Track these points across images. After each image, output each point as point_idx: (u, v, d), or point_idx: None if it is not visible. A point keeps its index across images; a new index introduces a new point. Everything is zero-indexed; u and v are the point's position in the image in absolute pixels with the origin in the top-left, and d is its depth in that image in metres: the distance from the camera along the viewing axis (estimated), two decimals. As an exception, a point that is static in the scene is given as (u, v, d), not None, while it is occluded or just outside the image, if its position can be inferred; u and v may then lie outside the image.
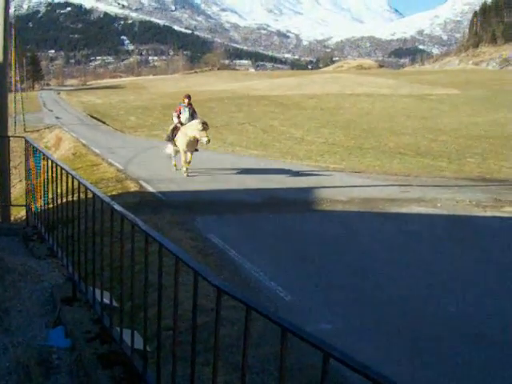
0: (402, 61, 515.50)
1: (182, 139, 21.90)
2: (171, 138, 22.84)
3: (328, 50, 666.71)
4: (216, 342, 3.43)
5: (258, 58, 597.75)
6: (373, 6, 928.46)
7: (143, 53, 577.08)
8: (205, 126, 21.36)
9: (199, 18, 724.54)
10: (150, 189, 19.21)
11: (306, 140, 38.77)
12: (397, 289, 9.40)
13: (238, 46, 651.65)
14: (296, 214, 15.69)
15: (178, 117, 22.75)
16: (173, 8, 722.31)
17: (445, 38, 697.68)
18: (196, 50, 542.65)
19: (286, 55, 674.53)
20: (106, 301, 5.91)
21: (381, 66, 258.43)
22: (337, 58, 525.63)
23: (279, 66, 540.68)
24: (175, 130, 22.64)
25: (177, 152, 23.32)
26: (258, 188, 19.34)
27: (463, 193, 19.44)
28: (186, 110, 22.85)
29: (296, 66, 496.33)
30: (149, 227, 4.59)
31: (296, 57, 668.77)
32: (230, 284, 3.49)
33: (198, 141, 21.97)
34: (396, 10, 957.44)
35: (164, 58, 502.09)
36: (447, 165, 27.88)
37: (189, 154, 22.35)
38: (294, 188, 18.66)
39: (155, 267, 4.32)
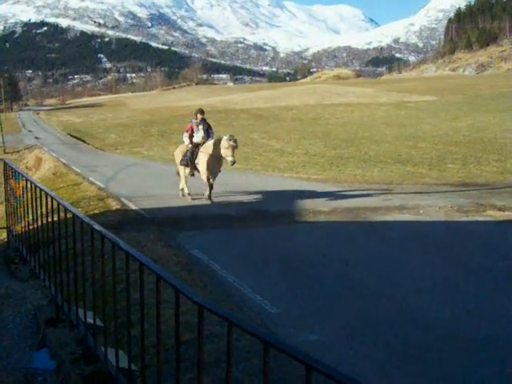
0: (380, 69, 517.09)
1: (204, 162, 18.87)
2: (188, 163, 19.53)
3: (305, 62, 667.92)
4: (200, 359, 3.41)
5: (236, 72, 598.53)
6: (348, 17, 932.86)
7: (121, 70, 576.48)
8: (233, 144, 18.34)
9: (176, 34, 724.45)
10: (132, 206, 19.13)
11: (287, 152, 38.83)
12: (383, 298, 9.38)
13: (215, 61, 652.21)
14: (280, 226, 15.66)
15: (191, 137, 19.61)
16: (149, 25, 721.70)
17: (421, 45, 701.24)
18: (174, 66, 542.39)
19: (264, 68, 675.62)
20: (90, 321, 5.88)
21: (358, 76, 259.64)
22: (314, 69, 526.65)
23: (257, 78, 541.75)
24: (194, 151, 19.36)
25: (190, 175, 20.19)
26: (241, 201, 19.32)
27: (445, 198, 19.49)
28: (200, 127, 19.56)
29: (274, 78, 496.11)
30: (129, 246, 4.56)
31: (274, 69, 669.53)
32: (211, 300, 3.47)
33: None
34: (371, 20, 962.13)
35: (142, 74, 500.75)
36: (428, 171, 27.97)
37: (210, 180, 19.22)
38: (277, 200, 18.66)
39: (138, 285, 4.30)
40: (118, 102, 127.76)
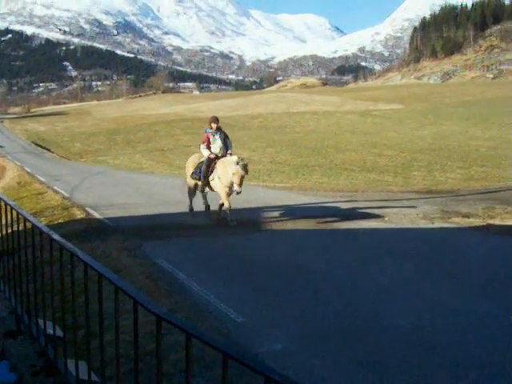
0: (345, 78, 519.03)
1: (218, 184, 17.15)
2: (203, 177, 17.59)
3: (271, 70, 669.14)
4: (158, 370, 3.34)
5: (202, 80, 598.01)
6: (314, 26, 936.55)
7: (86, 78, 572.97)
8: (241, 172, 16.22)
9: (142, 42, 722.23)
10: (97, 215, 19.02)
11: (253, 160, 38.77)
12: (346, 304, 9.39)
13: (181, 69, 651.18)
14: (245, 235, 15.63)
15: (208, 148, 17.78)
16: (115, 32, 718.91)
17: (386, 54, 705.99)
18: (139, 74, 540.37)
19: (230, 76, 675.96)
20: (51, 332, 5.78)
21: (324, 84, 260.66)
22: (280, 78, 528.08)
23: (223, 87, 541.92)
24: (210, 165, 17.49)
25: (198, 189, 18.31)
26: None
27: (410, 206, 19.59)
28: (217, 136, 17.85)
29: (240, 86, 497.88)
30: (88, 256, 4.49)
31: (240, 77, 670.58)
32: (169, 311, 3.41)
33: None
34: (337, 29, 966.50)
35: (107, 82, 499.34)
36: (393, 179, 28.11)
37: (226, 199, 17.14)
38: (242, 209, 18.61)
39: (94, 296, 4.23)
40: (83, 111, 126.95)
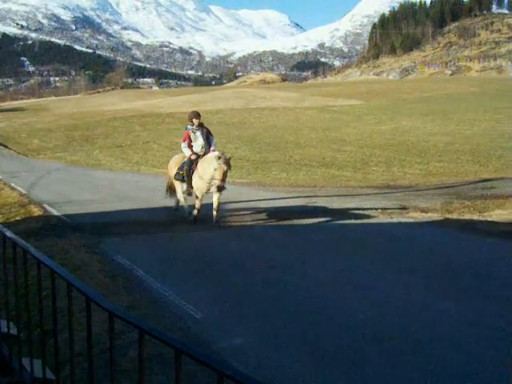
0: (305, 74, 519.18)
1: (199, 182, 16.20)
2: (185, 178, 16.75)
3: (231, 66, 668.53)
4: (112, 367, 3.30)
5: (161, 76, 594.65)
6: (274, 22, 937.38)
7: (44, 74, 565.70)
8: (222, 166, 15.37)
9: (100, 37, 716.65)
10: (55, 212, 18.83)
11: (212, 156, 38.70)
12: (307, 299, 9.37)
13: (140, 64, 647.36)
14: (204, 231, 15.59)
15: (190, 146, 16.78)
16: (73, 28, 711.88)
17: (346, 50, 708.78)
18: (98, 70, 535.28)
19: (190, 72, 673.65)
20: (5, 330, 5.70)
21: (284, 80, 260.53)
22: (240, 73, 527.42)
23: (183, 82, 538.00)
24: (192, 164, 16.56)
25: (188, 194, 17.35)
26: (165, 206, 19.15)
27: (369, 201, 19.71)
28: (198, 133, 16.75)
29: (200, 82, 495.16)
30: (41, 253, 4.42)
31: (199, 73, 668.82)
32: (122, 307, 3.36)
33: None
34: (297, 25, 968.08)
35: (66, 78, 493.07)
36: (352, 174, 28.26)
37: (215, 197, 16.23)
38: (202, 204, 18.58)
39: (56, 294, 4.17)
40: (41, 106, 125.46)
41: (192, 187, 16.64)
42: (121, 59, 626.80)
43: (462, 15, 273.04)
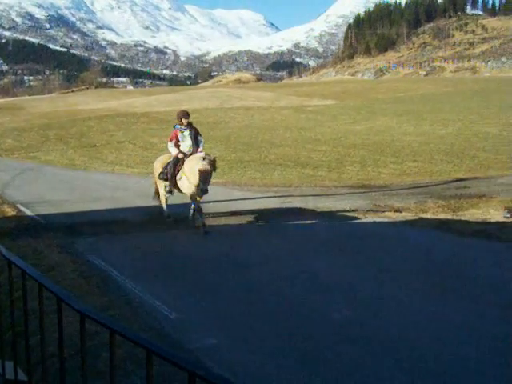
0: (280, 74, 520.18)
1: (186, 184, 15.60)
2: (169, 177, 16.17)
3: (206, 65, 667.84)
4: (83, 369, 3.27)
5: (136, 75, 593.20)
6: (249, 21, 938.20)
7: (18, 73, 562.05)
8: (206, 167, 14.80)
9: (75, 36, 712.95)
10: (29, 212, 18.71)
11: (187, 155, 38.63)
12: (282, 299, 9.38)
13: (115, 64, 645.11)
14: (178, 231, 15.57)
15: (177, 146, 16.22)
16: (47, 26, 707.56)
17: (321, 50, 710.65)
18: (72, 69, 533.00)
19: (165, 71, 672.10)
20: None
21: (259, 80, 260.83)
22: (215, 73, 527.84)
23: (158, 82, 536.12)
24: (178, 163, 16.02)
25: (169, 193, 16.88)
26: (139, 206, 19.11)
27: (343, 200, 19.75)
28: (186, 133, 16.21)
29: (175, 81, 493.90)
30: (11, 253, 4.38)
31: (174, 73, 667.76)
32: (93, 308, 3.33)
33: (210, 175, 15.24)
34: (272, 24, 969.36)
35: (40, 77, 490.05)
36: (327, 174, 28.30)
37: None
38: (176, 204, 18.50)
39: (29, 295, 4.13)
40: (15, 106, 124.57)
41: (176, 187, 16.23)
42: (95, 58, 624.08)
43: (436, 16, 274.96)
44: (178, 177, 15.89)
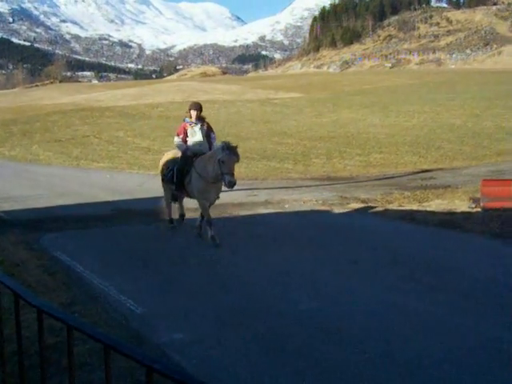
0: (246, 67, 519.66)
1: (198, 182, 13.23)
2: (177, 180, 13.78)
3: (171, 59, 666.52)
4: (42, 365, 3.23)
5: (100, 69, 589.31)
6: (215, 14, 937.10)
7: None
8: (232, 157, 12.87)
9: (38, 30, 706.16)
10: (-8, 209, 18.50)
11: (153, 149, 38.52)
12: (249, 292, 9.37)
13: (79, 58, 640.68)
14: (144, 225, 15.51)
15: (185, 141, 13.95)
16: (10, 20, 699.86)
17: (286, 43, 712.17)
18: (36, 63, 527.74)
19: (130, 65, 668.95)
20: None
21: (224, 73, 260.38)
22: (181, 67, 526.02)
23: (123, 76, 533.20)
24: (187, 163, 13.61)
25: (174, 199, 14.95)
26: (106, 201, 19.01)
27: (310, 193, 19.80)
28: (197, 128, 14.04)
29: (140, 75, 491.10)
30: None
31: (140, 66, 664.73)
32: (50, 304, 3.29)
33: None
34: (238, 18, 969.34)
35: (3, 72, 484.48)
36: (293, 166, 28.36)
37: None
38: (142, 198, 18.44)
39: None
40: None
41: (185, 191, 14.01)
42: (60, 52, 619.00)
43: (401, 9, 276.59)
44: (186, 180, 13.56)
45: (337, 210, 16.82)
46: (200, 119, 14.18)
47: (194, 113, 14.13)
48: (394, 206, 17.09)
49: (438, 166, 27.30)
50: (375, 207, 17.05)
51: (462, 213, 15.76)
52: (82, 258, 11.81)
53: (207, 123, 14.45)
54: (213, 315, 8.36)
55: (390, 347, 6.95)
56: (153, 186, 21.30)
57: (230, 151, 12.73)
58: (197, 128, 14.03)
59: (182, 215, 14.88)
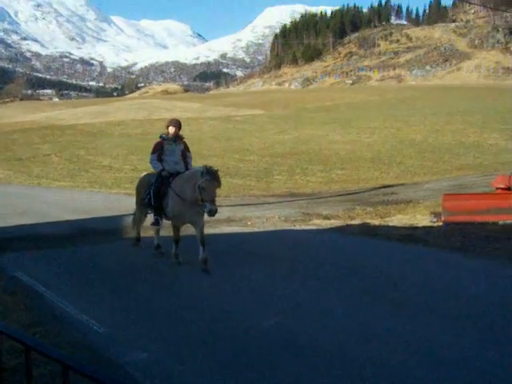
0: (207, 84, 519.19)
1: (175, 202, 12.38)
2: (155, 203, 12.87)
3: (133, 77, 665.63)
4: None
5: (62, 87, 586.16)
6: (176, 32, 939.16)
7: None
8: (212, 183, 11.84)
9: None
10: (-50, 229, 18.22)
11: (115, 168, 38.36)
12: (210, 309, 9.33)
13: (40, 75, 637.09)
14: (106, 244, 15.37)
15: (161, 160, 13.12)
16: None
17: (248, 60, 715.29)
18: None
19: (91, 83, 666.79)
20: None
21: (186, 91, 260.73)
22: (142, 84, 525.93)
23: (84, 94, 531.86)
24: (163, 184, 12.73)
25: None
26: (67, 220, 18.84)
27: (272, 209, 19.82)
28: (175, 146, 13.33)
29: (101, 93, 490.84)
30: None
31: (101, 84, 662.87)
32: (8, 325, 3.24)
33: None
34: (199, 35, 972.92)
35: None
36: (255, 183, 28.41)
37: (197, 228, 12.81)
38: (103, 217, 18.32)
39: None
40: None
41: (162, 215, 13.06)
42: (20, 70, 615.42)
43: (361, 26, 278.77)
44: (164, 202, 12.66)
45: (299, 226, 16.85)
46: (178, 137, 13.47)
47: (172, 129, 13.37)
48: (356, 222, 17.18)
49: (400, 181, 27.54)
50: (338, 223, 17.12)
51: (424, 227, 15.90)
52: (43, 278, 11.64)
53: (184, 142, 13.69)
54: (175, 334, 8.31)
55: (354, 366, 6.95)
56: (115, 205, 21.23)
57: (211, 176, 11.78)
58: (175, 146, 13.31)
59: (158, 245, 14.07)
